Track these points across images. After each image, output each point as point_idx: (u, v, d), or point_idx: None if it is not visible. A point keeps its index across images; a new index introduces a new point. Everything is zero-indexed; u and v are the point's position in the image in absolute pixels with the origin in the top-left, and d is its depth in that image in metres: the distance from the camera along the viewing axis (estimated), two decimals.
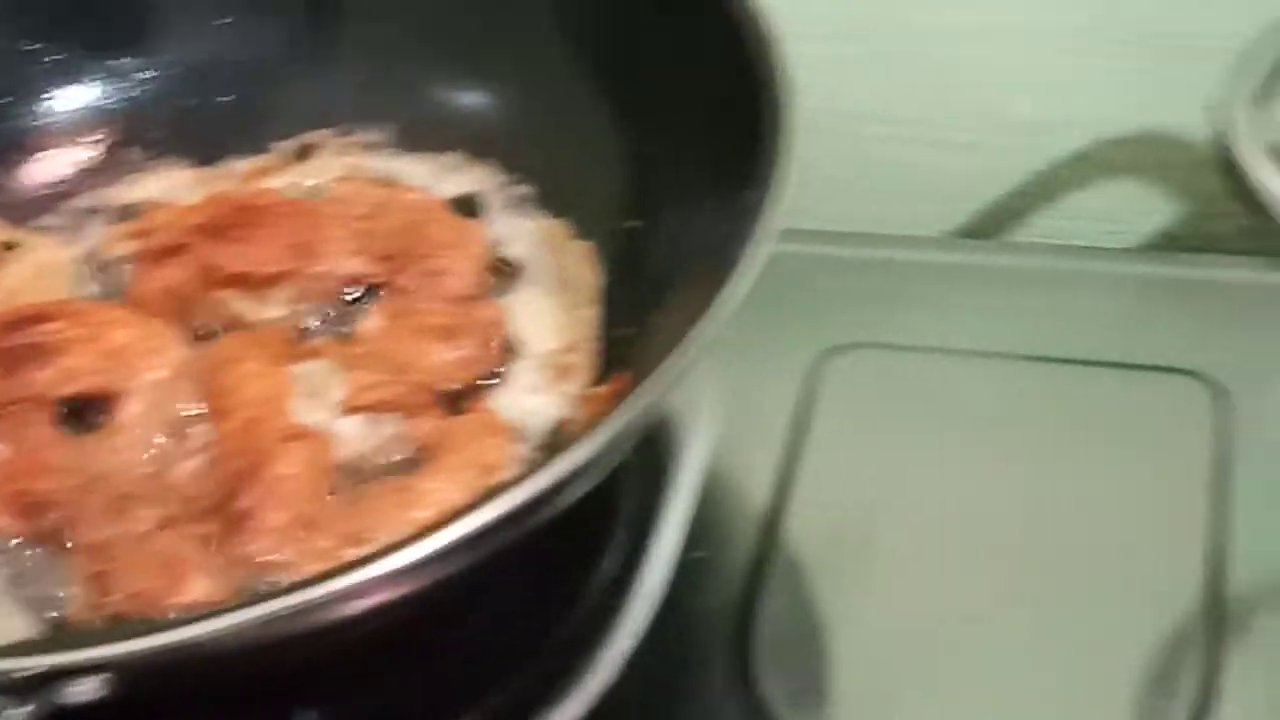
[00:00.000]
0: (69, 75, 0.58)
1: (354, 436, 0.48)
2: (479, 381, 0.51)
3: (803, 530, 0.52)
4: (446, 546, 0.38)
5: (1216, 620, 0.48)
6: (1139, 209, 0.61)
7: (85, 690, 0.37)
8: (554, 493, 0.39)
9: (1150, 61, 0.59)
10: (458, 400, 0.50)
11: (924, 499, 0.53)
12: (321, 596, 0.37)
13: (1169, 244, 0.61)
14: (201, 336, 0.52)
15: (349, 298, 0.52)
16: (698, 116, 0.49)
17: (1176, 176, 0.60)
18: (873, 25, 0.61)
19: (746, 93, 0.47)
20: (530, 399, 0.50)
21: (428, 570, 0.39)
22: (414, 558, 0.37)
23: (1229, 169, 0.43)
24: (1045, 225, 0.63)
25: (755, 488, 0.53)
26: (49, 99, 0.58)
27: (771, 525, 0.52)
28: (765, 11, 0.49)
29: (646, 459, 0.53)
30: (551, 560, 0.50)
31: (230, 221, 0.53)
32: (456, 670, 0.49)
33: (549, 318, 0.52)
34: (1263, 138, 0.43)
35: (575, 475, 0.39)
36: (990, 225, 0.63)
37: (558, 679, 0.48)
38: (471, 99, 0.56)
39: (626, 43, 0.52)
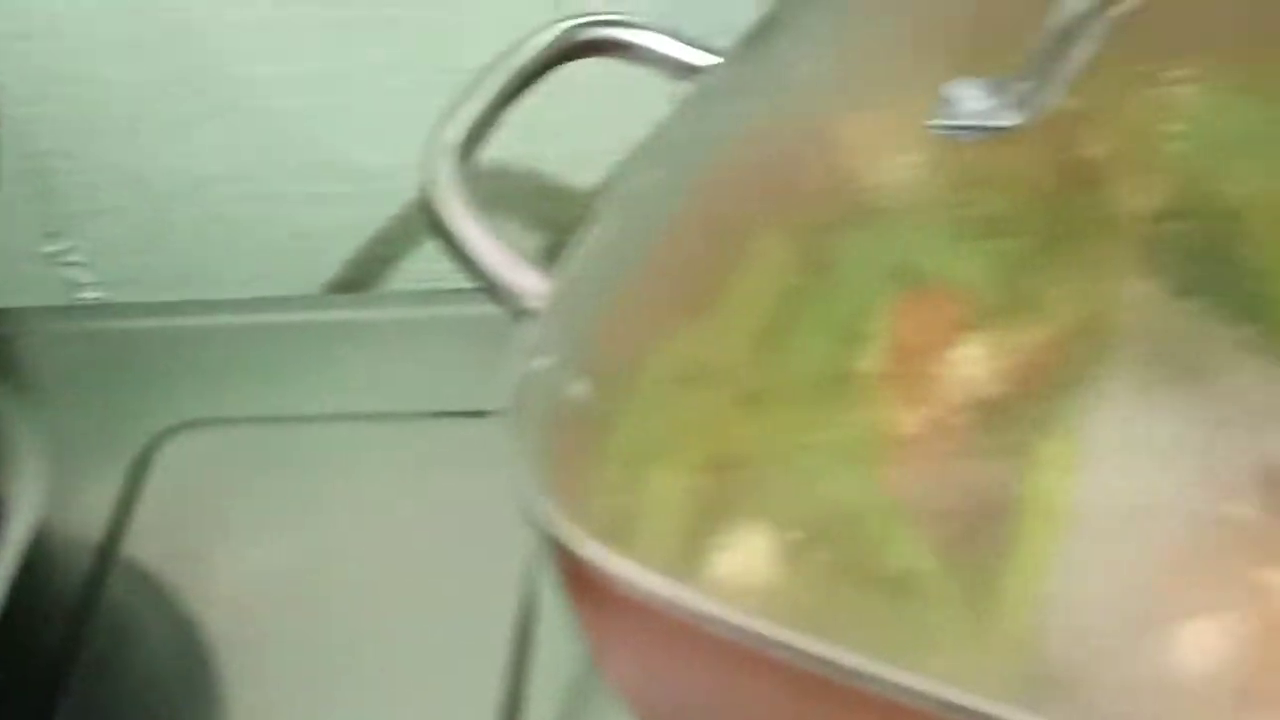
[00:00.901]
0: None
1: None
2: None
3: (115, 638, 0.49)
4: None
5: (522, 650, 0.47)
6: None
7: None
8: None
9: None
10: None
11: (253, 587, 0.50)
12: None
13: None
14: None
15: None
16: None
17: (537, 207, 0.59)
18: (201, 83, 0.58)
19: None
20: None
21: None
22: None
23: (432, 219, 0.41)
24: (418, 270, 0.61)
25: (63, 599, 0.50)
26: None
27: (75, 640, 0.49)
28: None
29: None
30: None
31: None
32: None
33: None
34: (466, 187, 0.41)
35: None
36: (363, 276, 0.61)
37: None
38: None
39: None
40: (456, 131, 0.42)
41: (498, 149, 0.58)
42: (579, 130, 0.57)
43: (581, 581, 0.36)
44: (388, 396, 0.55)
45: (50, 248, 0.61)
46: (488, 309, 0.59)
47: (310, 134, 0.59)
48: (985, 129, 0.36)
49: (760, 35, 0.44)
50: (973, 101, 0.36)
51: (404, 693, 0.47)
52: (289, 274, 0.61)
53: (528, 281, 0.40)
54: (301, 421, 0.54)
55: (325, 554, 0.51)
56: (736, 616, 0.34)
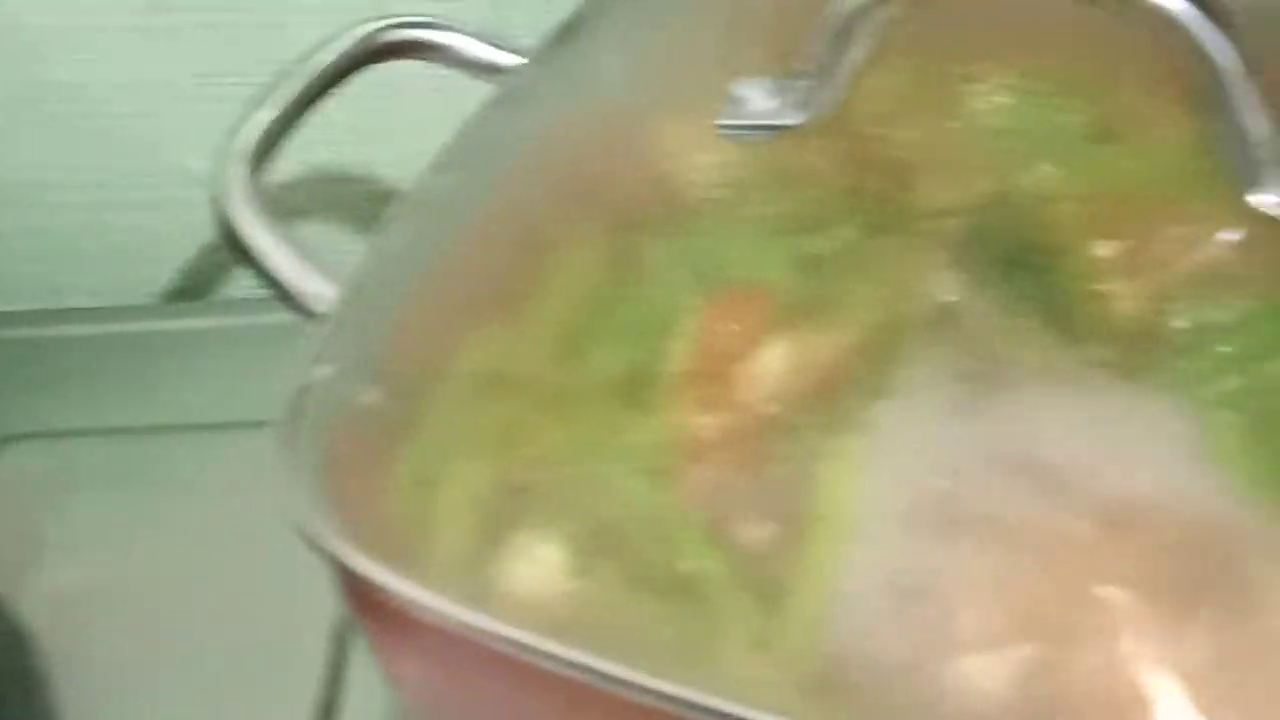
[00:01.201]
0: None
1: None
2: None
3: None
4: None
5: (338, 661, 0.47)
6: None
7: None
8: None
9: None
10: None
11: (79, 596, 0.49)
12: None
13: None
14: None
15: None
16: None
17: (371, 210, 0.58)
18: (27, 88, 0.57)
19: None
20: None
21: None
22: None
23: (223, 228, 0.40)
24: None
25: None
26: None
27: None
28: None
29: None
30: None
31: None
32: None
33: None
34: (258, 194, 0.40)
35: None
36: (202, 284, 0.60)
37: None
38: None
39: None
40: (248, 139, 0.41)
41: (329, 152, 0.58)
42: (412, 133, 0.56)
43: (360, 596, 0.35)
44: (226, 406, 0.54)
45: None
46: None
47: (144, 140, 0.58)
48: (770, 128, 0.36)
49: (565, 36, 0.43)
50: (758, 101, 0.36)
51: (223, 702, 0.47)
52: (124, 283, 0.60)
53: (321, 289, 0.39)
54: (138, 433, 0.53)
55: (154, 564, 0.50)
56: (516, 632, 0.33)
